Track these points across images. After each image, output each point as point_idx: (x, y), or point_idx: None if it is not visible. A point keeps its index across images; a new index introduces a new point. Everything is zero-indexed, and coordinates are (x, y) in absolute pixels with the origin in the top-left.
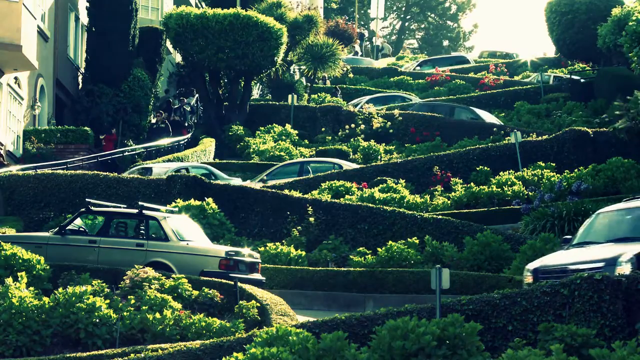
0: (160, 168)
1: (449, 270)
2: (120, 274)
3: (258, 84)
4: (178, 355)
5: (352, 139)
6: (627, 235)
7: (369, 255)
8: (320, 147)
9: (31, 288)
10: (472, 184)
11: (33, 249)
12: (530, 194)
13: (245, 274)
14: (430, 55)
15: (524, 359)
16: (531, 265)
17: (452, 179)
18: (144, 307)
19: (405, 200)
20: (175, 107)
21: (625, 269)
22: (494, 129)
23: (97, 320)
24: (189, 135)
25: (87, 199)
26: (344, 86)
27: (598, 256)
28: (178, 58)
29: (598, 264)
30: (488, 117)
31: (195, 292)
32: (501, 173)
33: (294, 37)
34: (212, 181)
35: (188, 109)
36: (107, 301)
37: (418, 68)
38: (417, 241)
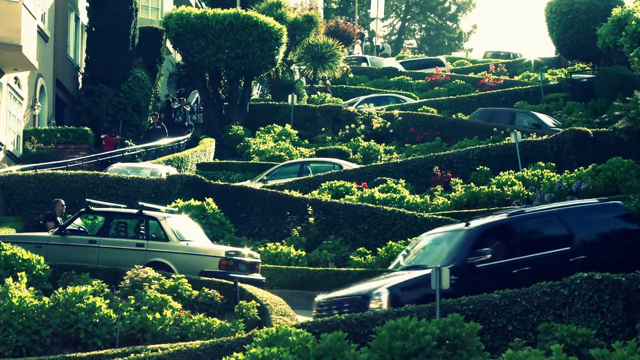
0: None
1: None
2: (120, 274)
3: (258, 84)
4: (178, 355)
5: (352, 139)
6: (418, 264)
7: (369, 255)
8: (320, 147)
9: (31, 288)
10: (472, 184)
11: (33, 249)
12: (530, 194)
13: (245, 274)
14: (430, 55)
15: (524, 359)
16: (319, 298)
17: (452, 179)
18: (144, 307)
19: (405, 200)
20: (176, 107)
21: (378, 302)
22: (494, 129)
23: (97, 320)
24: (189, 135)
25: (87, 199)
26: (344, 86)
27: (364, 288)
28: (178, 58)
29: (357, 296)
30: (550, 121)
31: (195, 292)
32: (501, 173)
33: (294, 37)
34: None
35: (188, 109)
36: (107, 301)
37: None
38: None
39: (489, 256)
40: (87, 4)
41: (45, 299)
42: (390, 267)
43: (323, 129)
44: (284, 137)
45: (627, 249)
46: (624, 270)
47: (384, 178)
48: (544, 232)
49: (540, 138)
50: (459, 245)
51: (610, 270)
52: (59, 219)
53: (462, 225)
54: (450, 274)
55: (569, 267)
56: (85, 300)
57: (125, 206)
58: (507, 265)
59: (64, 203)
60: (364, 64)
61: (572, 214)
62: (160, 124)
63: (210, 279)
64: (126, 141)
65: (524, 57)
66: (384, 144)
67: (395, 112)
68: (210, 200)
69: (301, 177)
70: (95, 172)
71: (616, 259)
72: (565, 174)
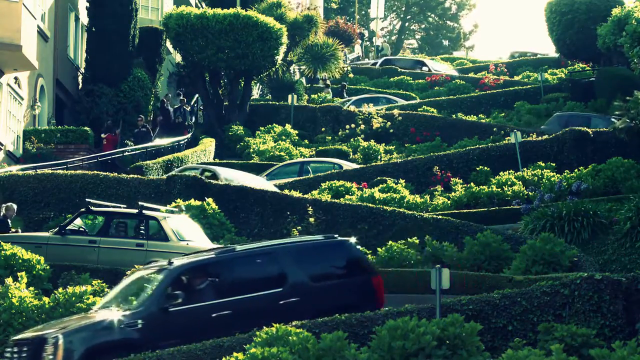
0: (228, 173)
1: (449, 270)
2: (120, 274)
3: (258, 84)
4: (178, 355)
5: (352, 139)
6: (111, 305)
7: (369, 255)
8: (320, 147)
9: (31, 288)
10: (472, 184)
11: (33, 249)
12: (530, 194)
13: None
14: (430, 55)
15: (524, 359)
16: (13, 337)
17: (452, 179)
18: None
19: (405, 200)
20: (176, 107)
21: (51, 349)
22: (494, 129)
23: None
24: (189, 135)
25: (87, 199)
26: (337, 86)
27: (48, 330)
28: (178, 58)
29: (35, 339)
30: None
31: None
32: (501, 173)
33: (294, 37)
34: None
35: (188, 108)
36: None
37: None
38: (417, 241)
39: (180, 300)
40: (87, 4)
41: (45, 299)
42: (99, 302)
43: (323, 129)
44: (284, 137)
45: (348, 291)
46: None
47: (384, 178)
48: (255, 272)
49: (540, 138)
50: (155, 286)
51: (326, 315)
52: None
53: (166, 263)
54: (139, 318)
55: (279, 310)
56: (85, 300)
57: (125, 206)
58: (206, 309)
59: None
60: (424, 68)
61: (287, 253)
62: (145, 126)
63: None
64: (126, 141)
65: (549, 55)
66: (384, 144)
67: (395, 112)
68: (210, 200)
69: (301, 177)
70: (96, 172)
71: (335, 303)
72: (565, 174)
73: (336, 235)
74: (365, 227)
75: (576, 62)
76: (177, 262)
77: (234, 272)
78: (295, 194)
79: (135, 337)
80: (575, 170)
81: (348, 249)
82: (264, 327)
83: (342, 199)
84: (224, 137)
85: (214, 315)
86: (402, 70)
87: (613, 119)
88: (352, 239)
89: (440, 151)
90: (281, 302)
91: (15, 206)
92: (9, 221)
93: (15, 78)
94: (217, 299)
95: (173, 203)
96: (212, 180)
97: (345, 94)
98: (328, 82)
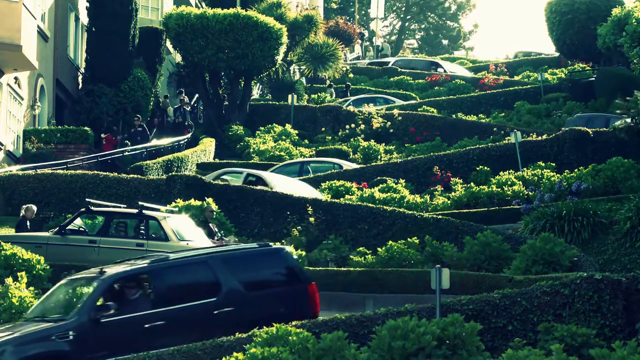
0: (280, 181)
1: (449, 270)
2: None
3: (258, 84)
4: (178, 355)
5: (352, 139)
6: (39, 315)
7: (369, 255)
8: (320, 147)
9: (31, 288)
10: (472, 184)
11: (33, 249)
12: (530, 194)
13: None
14: (430, 55)
15: (524, 359)
16: None
17: (452, 179)
18: None
19: (405, 200)
20: (176, 107)
21: None
22: (494, 129)
23: None
24: (189, 135)
25: (87, 199)
26: (342, 86)
27: None
28: (178, 58)
29: None
30: None
31: None
32: (501, 173)
33: (294, 37)
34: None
35: (188, 108)
36: None
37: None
38: (417, 241)
39: (112, 311)
40: (87, 4)
41: None
42: (30, 311)
43: (323, 129)
44: (284, 137)
45: (283, 301)
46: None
47: (384, 178)
48: (189, 281)
49: (540, 138)
50: (86, 296)
51: (261, 325)
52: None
53: (97, 272)
54: (70, 330)
55: (213, 320)
56: None
57: (125, 206)
58: (138, 320)
59: (212, 209)
60: (440, 70)
61: (221, 262)
62: (141, 126)
63: None
64: (126, 141)
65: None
66: (384, 144)
67: (395, 112)
68: (210, 200)
69: (301, 177)
70: (96, 172)
71: (270, 313)
72: (565, 174)
73: (271, 243)
74: (365, 227)
75: (576, 62)
76: (109, 271)
77: (167, 281)
78: (295, 194)
79: (66, 349)
80: (575, 170)
81: (283, 258)
82: (198, 338)
83: (342, 199)
84: (224, 137)
85: (146, 326)
86: (415, 71)
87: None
88: (287, 247)
89: (440, 151)
90: (215, 312)
91: (34, 207)
92: (28, 222)
93: (15, 78)
94: (150, 310)
95: (173, 203)
96: (263, 187)
97: (349, 94)
98: (329, 82)
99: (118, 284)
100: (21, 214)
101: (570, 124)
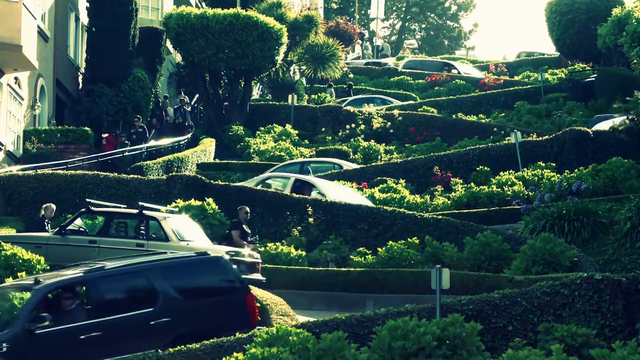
0: (332, 188)
1: (449, 270)
2: None
3: (258, 84)
4: (178, 355)
5: (352, 139)
6: None
7: (369, 255)
8: (320, 147)
9: None
10: (472, 184)
11: (33, 249)
12: (530, 194)
13: (245, 274)
14: (430, 55)
15: (524, 359)
16: None
17: (452, 179)
18: None
19: (405, 200)
20: (176, 107)
21: None
22: (494, 129)
23: None
24: (189, 136)
25: (87, 199)
26: (344, 86)
27: None
28: (178, 58)
29: None
30: None
31: None
32: (501, 173)
33: (294, 37)
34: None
35: (188, 109)
36: None
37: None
38: (417, 241)
39: (47, 322)
40: (87, 4)
41: None
42: None
43: (323, 129)
44: (284, 137)
45: (221, 310)
46: (216, 336)
47: (384, 178)
48: (126, 291)
49: (540, 138)
50: (21, 307)
51: (199, 338)
52: (244, 226)
53: (32, 281)
54: (3, 341)
55: (150, 331)
56: None
57: (125, 206)
58: (74, 331)
59: (247, 210)
60: (454, 71)
61: (158, 271)
62: (142, 127)
63: None
64: (126, 141)
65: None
66: (384, 144)
67: (396, 112)
68: (210, 200)
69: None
70: (96, 172)
71: (207, 322)
72: (566, 174)
73: (209, 252)
74: (365, 227)
75: (576, 62)
76: (44, 281)
77: (103, 291)
78: (295, 194)
79: None
80: (576, 170)
81: (221, 267)
82: (135, 349)
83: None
84: (224, 137)
85: (82, 337)
86: (428, 72)
87: None
88: (226, 256)
89: (440, 151)
90: (152, 323)
91: (54, 206)
92: (47, 221)
93: (16, 78)
94: (86, 320)
95: (173, 203)
96: (316, 196)
97: (352, 94)
98: (330, 82)
99: (53, 294)
100: (41, 214)
101: (591, 125)
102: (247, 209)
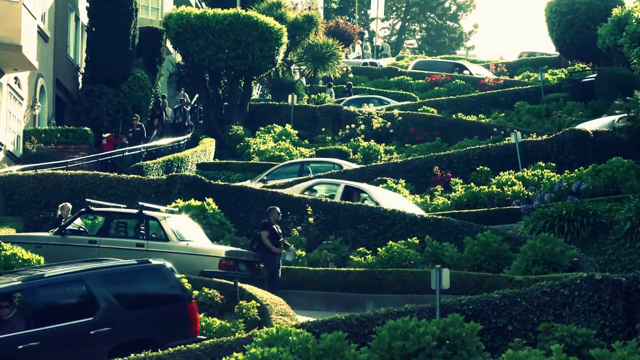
0: (384, 195)
1: (449, 270)
2: None
3: (258, 84)
4: (178, 355)
5: (352, 139)
6: None
7: (369, 256)
8: (320, 147)
9: None
10: (472, 184)
11: (33, 249)
12: (530, 194)
13: (245, 274)
14: (430, 55)
15: (524, 359)
16: None
17: (452, 179)
18: None
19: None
20: (175, 107)
21: None
22: (494, 129)
23: None
24: (189, 136)
25: (87, 199)
26: (344, 86)
27: None
28: (178, 58)
29: None
30: None
31: (196, 292)
32: (501, 173)
33: (294, 37)
34: (212, 181)
35: (188, 109)
36: None
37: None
38: (417, 241)
39: None
40: (87, 4)
41: None
42: None
43: (323, 129)
44: (284, 137)
45: (162, 319)
46: (157, 346)
47: (384, 178)
48: (64, 300)
49: (540, 138)
50: None
51: (139, 348)
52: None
53: None
54: None
55: (90, 341)
56: None
57: (125, 206)
58: (10, 341)
59: (279, 210)
60: (465, 72)
61: (98, 279)
62: (139, 126)
63: (210, 279)
64: (125, 141)
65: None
66: (384, 144)
67: (395, 112)
68: (210, 200)
69: (301, 177)
70: (96, 172)
71: (149, 332)
72: (566, 174)
73: (150, 260)
74: (365, 227)
75: (576, 62)
76: None
77: (42, 300)
78: (295, 194)
79: None
80: (575, 170)
81: (164, 275)
82: (75, 359)
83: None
84: (224, 137)
85: (20, 347)
86: (439, 74)
87: None
88: (168, 264)
89: (440, 151)
90: (92, 332)
91: (70, 205)
92: (63, 221)
93: (15, 78)
94: (24, 330)
95: (173, 203)
96: (368, 203)
97: (351, 93)
98: (331, 81)
99: None
100: (58, 214)
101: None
102: (279, 209)
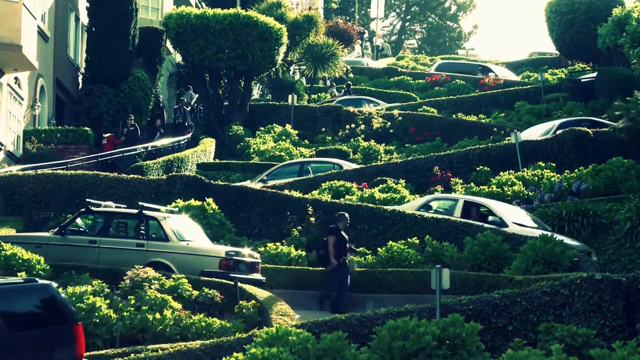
0: (509, 211)
1: (449, 270)
2: (120, 274)
3: (258, 84)
4: (178, 355)
5: (352, 139)
6: None
7: (369, 255)
8: (320, 147)
9: None
10: (472, 184)
11: (33, 249)
12: (530, 194)
13: (245, 274)
14: (431, 55)
15: (524, 359)
16: None
17: (452, 179)
18: (144, 307)
19: (405, 201)
20: (175, 107)
21: None
22: (494, 129)
23: (97, 321)
24: (189, 136)
25: (87, 199)
26: (343, 86)
27: None
28: (178, 58)
29: None
30: None
31: (196, 292)
32: (501, 173)
33: (294, 37)
34: (212, 181)
35: (188, 109)
36: (107, 301)
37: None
38: (417, 241)
39: None
40: (87, 4)
41: None
42: None
43: (323, 129)
44: (284, 137)
45: (47, 342)
46: None
47: (384, 178)
48: None
49: (540, 138)
50: None
51: None
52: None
53: None
54: None
55: None
56: (85, 300)
57: (125, 206)
58: None
59: (348, 217)
60: (491, 75)
61: None
62: (133, 125)
63: (210, 279)
64: (122, 139)
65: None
66: (384, 144)
67: (395, 112)
68: (210, 200)
69: (301, 177)
70: (96, 172)
71: (32, 355)
72: (566, 174)
73: (37, 279)
74: (365, 227)
75: (576, 62)
76: None
77: None
78: (296, 194)
79: None
80: (575, 170)
81: (50, 295)
82: None
83: (342, 199)
84: (224, 137)
85: None
86: (463, 75)
87: None
88: (54, 283)
89: (441, 151)
90: None
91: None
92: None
93: (16, 78)
94: None
95: (173, 203)
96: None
97: (351, 93)
98: (329, 81)
99: None
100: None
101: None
102: (347, 215)
